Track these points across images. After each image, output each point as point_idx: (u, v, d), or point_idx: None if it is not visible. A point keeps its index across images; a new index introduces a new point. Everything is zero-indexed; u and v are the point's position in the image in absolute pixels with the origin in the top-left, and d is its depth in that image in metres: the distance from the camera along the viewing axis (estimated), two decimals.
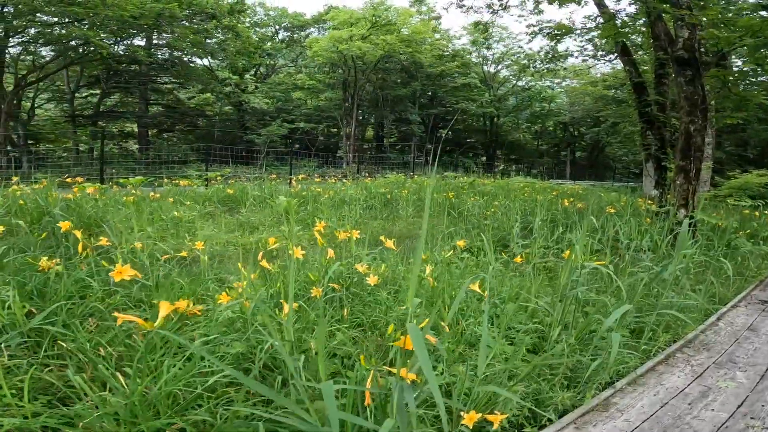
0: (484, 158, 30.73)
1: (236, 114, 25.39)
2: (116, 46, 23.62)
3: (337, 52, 20.31)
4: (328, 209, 7.60)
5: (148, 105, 24.88)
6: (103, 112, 25.51)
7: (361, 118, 30.53)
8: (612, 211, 5.85)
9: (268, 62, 30.58)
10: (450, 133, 35.33)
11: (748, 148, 15.17)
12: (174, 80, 24.11)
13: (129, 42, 23.43)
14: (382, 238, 3.65)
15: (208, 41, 20.14)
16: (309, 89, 24.35)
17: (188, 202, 7.59)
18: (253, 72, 29.75)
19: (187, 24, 18.55)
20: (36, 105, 25.78)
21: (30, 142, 24.04)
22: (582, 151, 34.56)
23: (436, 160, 1.63)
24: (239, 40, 19.66)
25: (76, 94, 24.64)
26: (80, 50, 18.71)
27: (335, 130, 28.86)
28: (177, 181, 9.49)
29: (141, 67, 23.57)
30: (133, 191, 6.79)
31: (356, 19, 21.44)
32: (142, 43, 23.19)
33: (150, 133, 26.67)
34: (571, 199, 8.15)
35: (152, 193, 7.03)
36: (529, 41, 11.81)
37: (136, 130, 25.86)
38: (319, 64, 24.19)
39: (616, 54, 9.05)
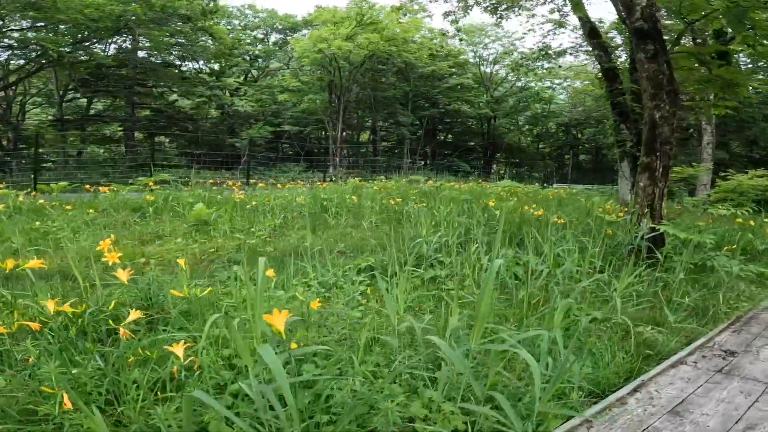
0: (481, 161, 29.58)
1: (220, 117, 24.83)
2: (107, 49, 23.43)
3: (318, 52, 19.53)
4: (245, 218, 6.67)
5: (134, 109, 24.49)
6: (91, 116, 25.27)
7: (355, 121, 29.67)
8: (560, 222, 4.75)
9: (260, 65, 30.08)
10: (450, 135, 34.24)
11: (754, 148, 13.72)
12: (156, 84, 23.64)
13: (119, 46, 23.19)
14: (180, 261, 2.69)
15: (186, 43, 19.56)
16: (296, 91, 23.63)
17: (90, 210, 6.79)
18: (243, 75, 29.27)
19: (163, 26, 18.00)
20: (27, 109, 25.79)
21: (22, 146, 24.10)
22: (586, 153, 33.07)
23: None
24: (215, 42, 19.04)
25: (66, 98, 24.46)
26: (51, 55, 18.32)
27: (333, 133, 28.11)
28: (112, 187, 8.71)
29: (127, 71, 23.26)
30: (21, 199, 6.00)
31: (340, 18, 20.65)
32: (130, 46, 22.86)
33: (138, 137, 26.37)
34: (533, 206, 7.05)
35: (41, 201, 6.22)
36: (465, 15, 10.76)
37: (122, 134, 25.51)
38: (307, 65, 23.48)
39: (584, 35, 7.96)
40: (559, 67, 21.20)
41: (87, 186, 8.41)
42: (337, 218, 7.02)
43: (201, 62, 22.84)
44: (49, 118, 26.32)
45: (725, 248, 4.94)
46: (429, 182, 10.14)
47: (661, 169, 4.42)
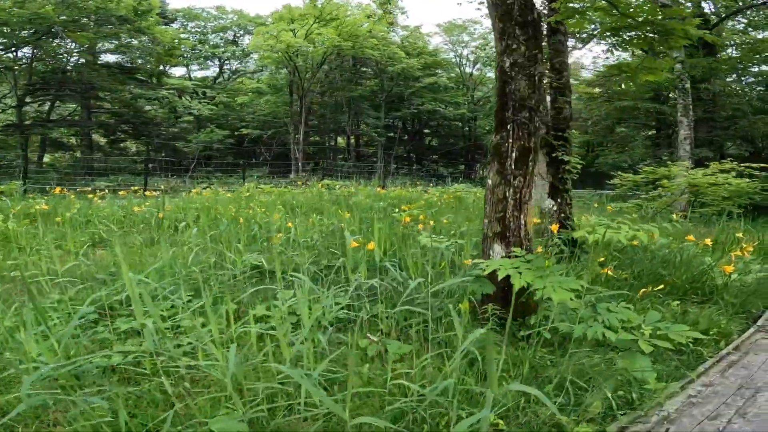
0: (462, 166, 27.83)
1: (174, 121, 23.46)
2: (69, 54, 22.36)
3: (270, 49, 18.11)
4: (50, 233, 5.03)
5: (90, 113, 23.29)
6: (46, 120, 24.15)
7: (323, 124, 28.06)
8: (370, 248, 2.99)
9: (230, 67, 28.84)
10: (434, 139, 32.47)
11: (744, 145, 11.73)
12: (111, 87, 22.36)
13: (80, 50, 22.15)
14: None
15: (130, 44, 18.26)
16: (257, 93, 22.21)
17: None
18: (213, 78, 28.00)
19: (101, 27, 16.74)
20: None
21: None
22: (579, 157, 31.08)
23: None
24: (154, 42, 17.73)
25: (26, 102, 23.42)
26: None
27: (296, 135, 26.57)
28: None
29: (83, 75, 22.16)
30: None
31: (298, 15, 19.25)
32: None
33: (99, 141, 25.23)
34: (421, 216, 5.30)
35: None
36: None
37: (78, 139, 24.40)
38: (268, 65, 22.08)
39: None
40: None
41: None
42: (165, 233, 5.34)
43: (147, 65, 21.51)
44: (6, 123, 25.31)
45: (643, 290, 3.14)
46: (342, 188, 8.49)
47: (515, 155, 2.65)
